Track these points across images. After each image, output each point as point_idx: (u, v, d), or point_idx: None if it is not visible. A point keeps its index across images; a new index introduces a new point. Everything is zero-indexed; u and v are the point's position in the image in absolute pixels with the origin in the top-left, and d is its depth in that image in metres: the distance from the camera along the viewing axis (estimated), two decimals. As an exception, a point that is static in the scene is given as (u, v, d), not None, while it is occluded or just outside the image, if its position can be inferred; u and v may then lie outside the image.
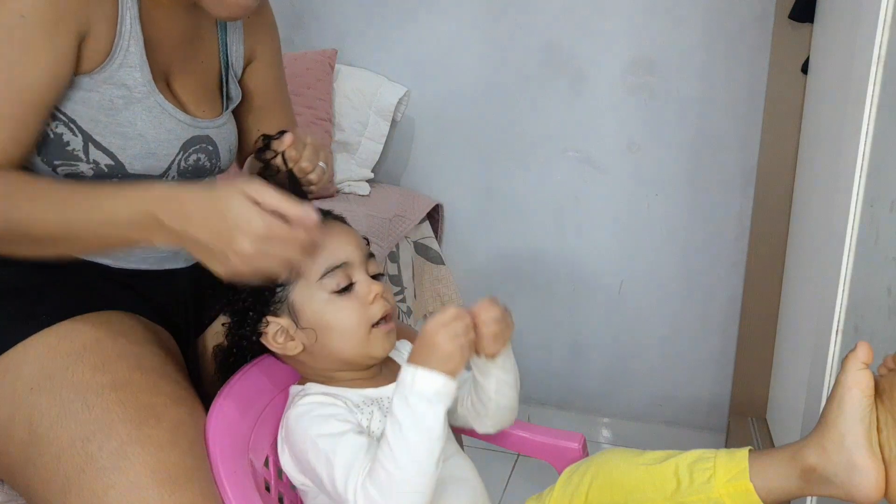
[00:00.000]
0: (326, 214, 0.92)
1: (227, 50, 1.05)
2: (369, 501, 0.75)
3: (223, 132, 1.03)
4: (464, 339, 0.79)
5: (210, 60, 1.03)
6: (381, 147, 2.00)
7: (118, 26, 0.87)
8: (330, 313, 0.86)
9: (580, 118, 1.93)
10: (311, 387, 0.89)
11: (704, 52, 1.82)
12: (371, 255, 0.91)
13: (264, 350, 0.95)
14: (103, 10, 0.85)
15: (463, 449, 1.01)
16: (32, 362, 0.82)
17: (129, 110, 0.89)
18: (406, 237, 1.92)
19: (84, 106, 0.87)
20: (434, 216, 2.07)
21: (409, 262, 1.92)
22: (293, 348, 0.88)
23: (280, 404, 0.92)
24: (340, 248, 0.88)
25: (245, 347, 0.94)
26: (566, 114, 1.94)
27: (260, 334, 0.89)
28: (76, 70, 0.85)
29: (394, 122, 2.01)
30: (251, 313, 0.88)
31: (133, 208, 0.76)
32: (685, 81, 1.85)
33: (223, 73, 1.05)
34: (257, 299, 0.87)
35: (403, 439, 0.74)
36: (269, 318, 0.87)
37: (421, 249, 2.00)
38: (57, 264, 0.92)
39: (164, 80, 0.95)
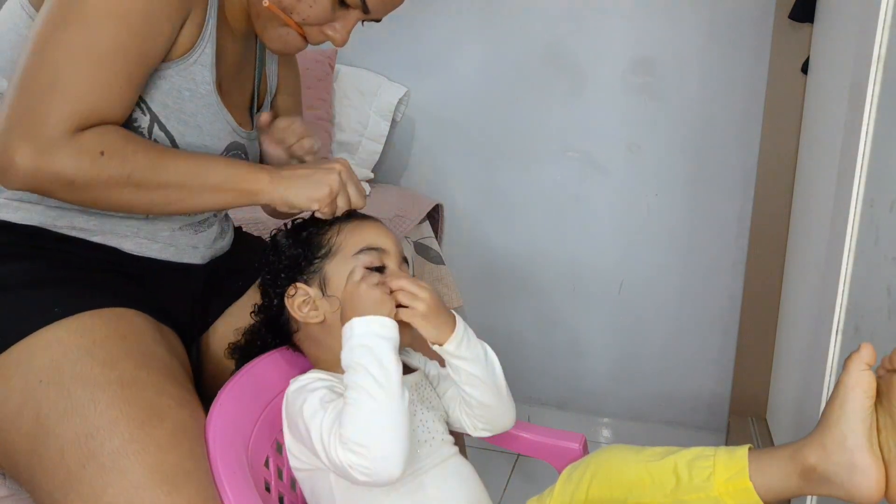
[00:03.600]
0: (371, 217, 1.00)
1: (260, 76, 1.14)
2: (346, 445, 0.77)
3: (253, 146, 1.12)
4: (384, 288, 0.86)
5: (248, 83, 1.12)
6: (381, 147, 2.00)
7: (203, 28, 0.95)
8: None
9: (580, 118, 1.93)
10: (315, 371, 0.91)
11: (704, 52, 1.82)
12: (405, 260, 0.97)
13: (277, 345, 0.98)
14: (198, 9, 0.94)
15: (464, 450, 1.02)
16: (43, 354, 0.83)
17: (192, 102, 0.97)
18: (406, 237, 1.92)
19: (156, 90, 0.93)
20: (434, 216, 2.07)
21: (409, 262, 1.92)
22: (314, 317, 0.92)
23: (281, 404, 0.92)
24: (380, 236, 0.95)
25: (265, 330, 0.98)
26: (566, 114, 1.94)
27: (283, 299, 0.94)
28: (170, 55, 0.92)
29: (394, 122, 2.01)
30: (283, 275, 0.94)
31: (250, 164, 0.94)
32: (685, 81, 1.85)
33: (254, 96, 1.14)
34: (294, 263, 0.94)
35: (361, 375, 0.79)
36: (299, 286, 0.93)
37: (421, 249, 2.00)
38: (73, 259, 0.94)
39: (217, 88, 1.01)
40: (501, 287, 2.10)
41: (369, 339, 0.82)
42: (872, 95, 1.04)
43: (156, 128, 0.94)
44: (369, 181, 2.01)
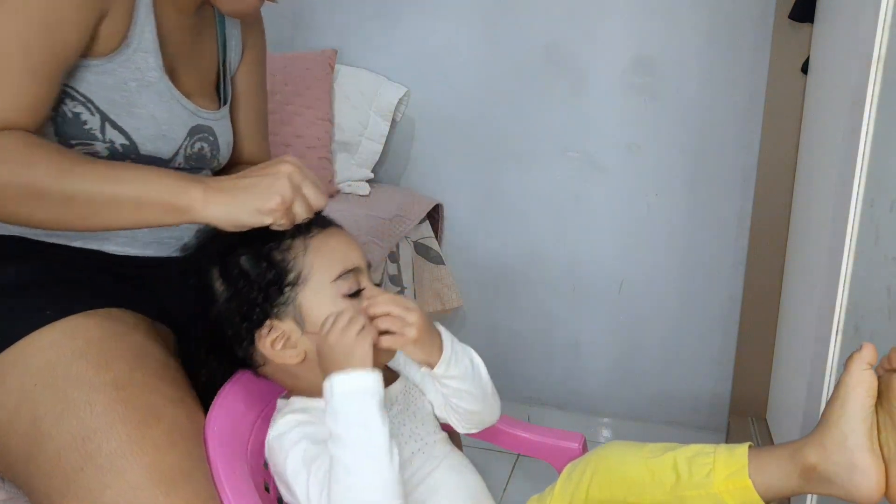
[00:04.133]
0: (331, 223, 0.89)
1: (225, 49, 1.09)
2: None
3: (222, 126, 1.07)
4: (356, 328, 0.77)
5: (209, 59, 1.06)
6: (381, 147, 2.00)
7: (134, 12, 0.90)
8: None
9: (580, 118, 1.93)
10: (295, 401, 0.86)
11: (704, 52, 1.82)
12: (370, 265, 0.90)
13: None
14: None
15: (462, 449, 1.01)
16: (37, 357, 0.83)
17: (141, 93, 0.92)
18: (406, 237, 1.92)
19: (100, 87, 0.89)
20: (434, 216, 2.07)
21: (409, 262, 1.92)
22: (293, 357, 0.82)
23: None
24: (352, 253, 0.86)
25: (215, 362, 0.88)
26: (566, 114, 1.94)
27: (253, 340, 0.83)
28: (94, 52, 0.88)
29: (394, 122, 2.01)
30: (258, 309, 0.82)
31: (180, 175, 0.82)
32: (685, 81, 1.85)
33: (220, 72, 1.08)
34: (265, 296, 0.81)
35: (347, 447, 0.74)
36: (274, 323, 0.82)
37: (421, 249, 2.00)
38: (63, 261, 0.93)
39: (170, 71, 0.98)
40: (501, 287, 2.10)
41: (352, 402, 0.75)
42: (872, 95, 1.04)
43: (108, 127, 0.91)
44: (369, 181, 2.01)
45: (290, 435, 0.81)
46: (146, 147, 0.95)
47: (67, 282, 0.91)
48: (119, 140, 0.92)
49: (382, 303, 0.81)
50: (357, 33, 2.04)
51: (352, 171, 1.98)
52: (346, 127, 1.96)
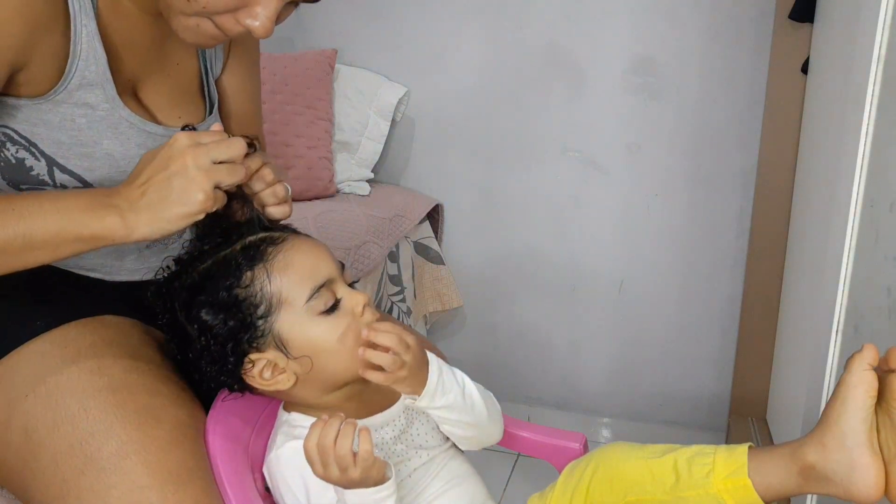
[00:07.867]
0: (293, 232, 0.86)
1: (204, 52, 1.00)
2: None
3: None
4: (333, 456, 0.73)
5: (187, 62, 0.98)
6: (381, 147, 2.00)
7: (72, 46, 0.82)
8: (324, 335, 0.80)
9: (580, 118, 1.93)
10: (296, 419, 0.85)
11: (704, 52, 1.82)
12: (342, 265, 0.85)
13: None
14: (49, 34, 0.80)
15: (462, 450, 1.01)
16: (26, 369, 0.82)
17: (92, 129, 0.86)
18: (406, 237, 1.92)
19: (45, 128, 0.83)
20: (434, 216, 2.07)
21: (409, 262, 1.92)
22: (285, 381, 0.81)
23: (280, 405, 0.92)
24: (321, 265, 0.82)
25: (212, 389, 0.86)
26: (566, 114, 1.94)
27: (242, 376, 0.81)
28: (24, 94, 0.82)
29: (394, 122, 2.01)
30: (231, 357, 0.79)
31: (86, 195, 0.78)
32: (685, 81, 1.85)
33: (204, 73, 1.00)
34: (235, 343, 0.79)
35: None
36: (253, 357, 0.80)
37: (421, 249, 2.00)
38: (53, 276, 0.90)
39: (131, 91, 0.91)
40: (501, 287, 2.10)
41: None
42: (872, 95, 1.04)
43: (56, 172, 0.85)
44: (369, 181, 2.01)
45: (291, 464, 0.81)
46: (104, 187, 0.87)
47: (58, 292, 0.89)
48: (71, 184, 0.86)
49: (384, 337, 0.78)
50: (357, 33, 2.04)
51: (352, 170, 1.98)
52: (346, 127, 1.96)
